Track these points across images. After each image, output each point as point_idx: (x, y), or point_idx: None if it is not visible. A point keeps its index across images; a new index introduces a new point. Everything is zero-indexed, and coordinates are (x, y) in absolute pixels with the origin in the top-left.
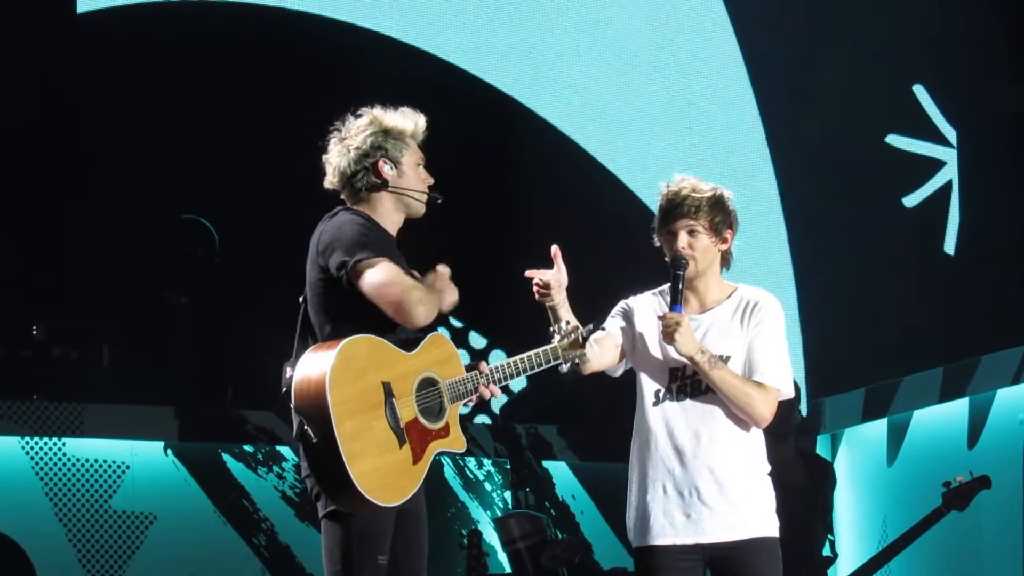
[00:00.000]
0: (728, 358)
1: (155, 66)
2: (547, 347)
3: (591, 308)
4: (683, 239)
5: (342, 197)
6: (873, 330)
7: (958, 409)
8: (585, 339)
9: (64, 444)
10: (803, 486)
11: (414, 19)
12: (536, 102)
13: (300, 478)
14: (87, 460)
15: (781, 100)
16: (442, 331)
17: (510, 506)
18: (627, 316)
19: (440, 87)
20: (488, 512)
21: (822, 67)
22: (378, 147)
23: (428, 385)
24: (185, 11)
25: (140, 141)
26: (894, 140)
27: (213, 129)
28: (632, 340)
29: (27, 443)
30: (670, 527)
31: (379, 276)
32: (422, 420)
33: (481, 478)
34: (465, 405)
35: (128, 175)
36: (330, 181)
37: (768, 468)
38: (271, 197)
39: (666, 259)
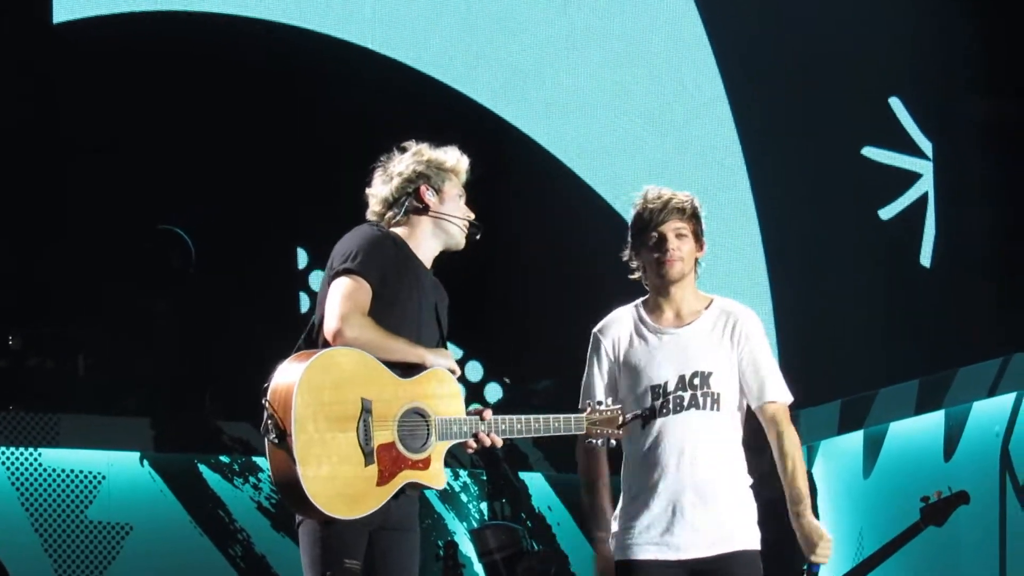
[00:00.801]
0: (711, 373)
1: (133, 77)
2: (574, 415)
3: (574, 323)
4: (673, 240)
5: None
6: (849, 342)
7: (934, 421)
8: (627, 421)
9: (40, 454)
10: (781, 498)
11: (395, 32)
12: (518, 117)
13: None
14: (63, 470)
15: (757, 112)
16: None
17: (486, 517)
18: (605, 351)
19: (422, 100)
20: (464, 523)
21: (798, 79)
22: (421, 174)
23: (416, 415)
24: (166, 21)
25: (116, 151)
26: (870, 152)
27: (192, 140)
28: (617, 370)
29: (2, 453)
30: (652, 543)
31: (339, 288)
32: (399, 446)
33: (457, 489)
34: (465, 450)
35: (105, 185)
36: (373, 211)
37: (750, 481)
38: (250, 208)
39: (633, 276)
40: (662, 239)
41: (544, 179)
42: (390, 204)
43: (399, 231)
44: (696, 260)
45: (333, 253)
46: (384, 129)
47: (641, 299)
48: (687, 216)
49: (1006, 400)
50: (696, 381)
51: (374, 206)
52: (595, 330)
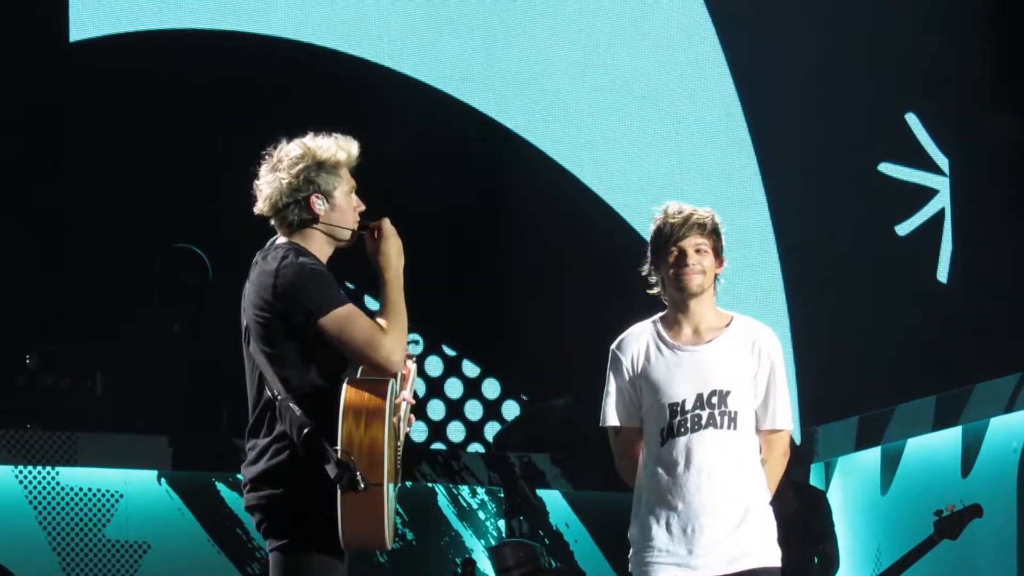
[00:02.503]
0: (728, 392)
1: (150, 94)
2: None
3: (591, 341)
4: (692, 256)
5: (272, 224)
6: (866, 358)
7: (952, 437)
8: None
9: (58, 473)
10: (795, 516)
11: (409, 48)
12: (529, 131)
13: (251, 506)
14: (80, 489)
15: (773, 129)
16: (435, 359)
17: (504, 535)
18: (625, 368)
19: (434, 116)
20: (482, 541)
21: (815, 95)
22: (310, 181)
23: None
24: (181, 39)
25: (132, 168)
26: (887, 168)
27: (207, 156)
28: (637, 390)
29: (21, 472)
30: (671, 563)
31: (349, 326)
32: (398, 464)
33: (475, 507)
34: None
35: (121, 202)
36: (260, 209)
37: (769, 498)
38: (264, 224)
39: (652, 291)
40: (682, 254)
41: (562, 198)
42: (279, 209)
43: (297, 240)
44: (716, 277)
45: (282, 287)
46: (401, 147)
47: (659, 315)
48: (707, 232)
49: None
50: (714, 400)
51: (262, 203)
52: (613, 347)
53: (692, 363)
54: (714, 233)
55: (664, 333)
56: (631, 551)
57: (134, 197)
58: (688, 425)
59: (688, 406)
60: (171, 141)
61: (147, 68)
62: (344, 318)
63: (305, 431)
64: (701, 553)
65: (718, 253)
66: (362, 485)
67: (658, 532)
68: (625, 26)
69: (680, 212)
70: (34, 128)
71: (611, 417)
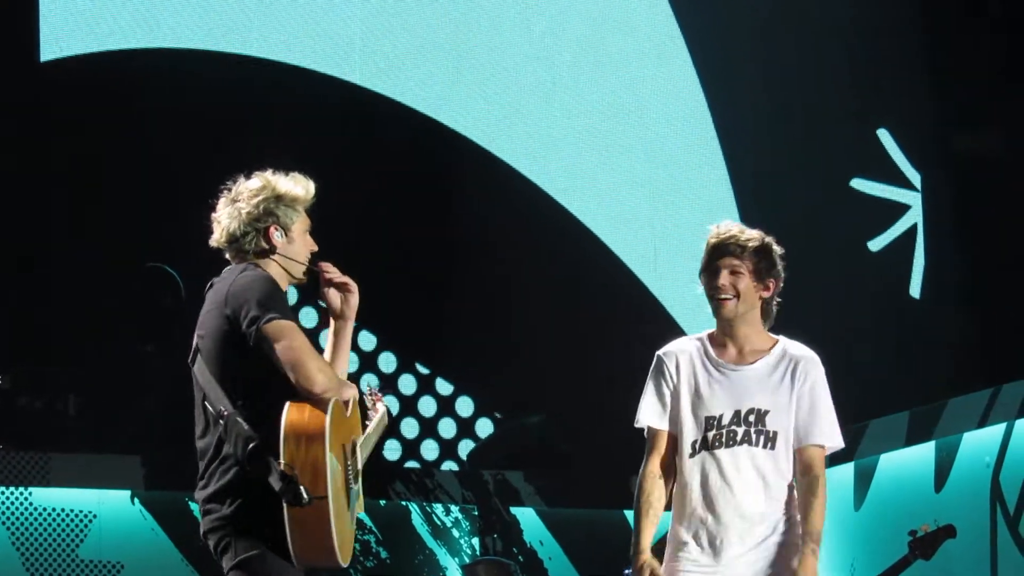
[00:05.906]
0: (767, 412)
1: (122, 113)
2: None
3: (565, 359)
4: (725, 277)
5: (226, 256)
6: (839, 374)
7: (925, 452)
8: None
9: (31, 494)
10: None
11: (380, 68)
12: (502, 150)
13: (207, 530)
14: (54, 509)
15: (746, 145)
16: (408, 377)
17: (478, 553)
18: (668, 374)
19: (406, 136)
20: (456, 559)
21: (787, 112)
22: (270, 213)
23: (354, 450)
24: (153, 58)
25: (105, 188)
26: (859, 184)
27: (180, 175)
28: (676, 398)
29: None
30: (699, 572)
31: (286, 338)
32: (353, 484)
33: (449, 525)
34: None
35: (92, 223)
36: (216, 240)
37: (799, 516)
38: None
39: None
40: (714, 275)
41: (535, 216)
42: (235, 239)
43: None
44: (764, 300)
45: (235, 295)
46: (373, 167)
47: (707, 332)
48: (746, 254)
49: (996, 431)
50: (751, 418)
51: (218, 235)
52: (659, 352)
53: (733, 382)
54: (756, 255)
55: (710, 350)
56: (665, 557)
57: (107, 217)
58: (723, 439)
59: (725, 421)
60: (144, 160)
61: (119, 87)
62: (289, 328)
63: (251, 445)
64: (727, 566)
65: (762, 276)
66: (306, 498)
67: (689, 542)
68: (596, 44)
69: (725, 233)
70: (5, 148)
71: (645, 417)
